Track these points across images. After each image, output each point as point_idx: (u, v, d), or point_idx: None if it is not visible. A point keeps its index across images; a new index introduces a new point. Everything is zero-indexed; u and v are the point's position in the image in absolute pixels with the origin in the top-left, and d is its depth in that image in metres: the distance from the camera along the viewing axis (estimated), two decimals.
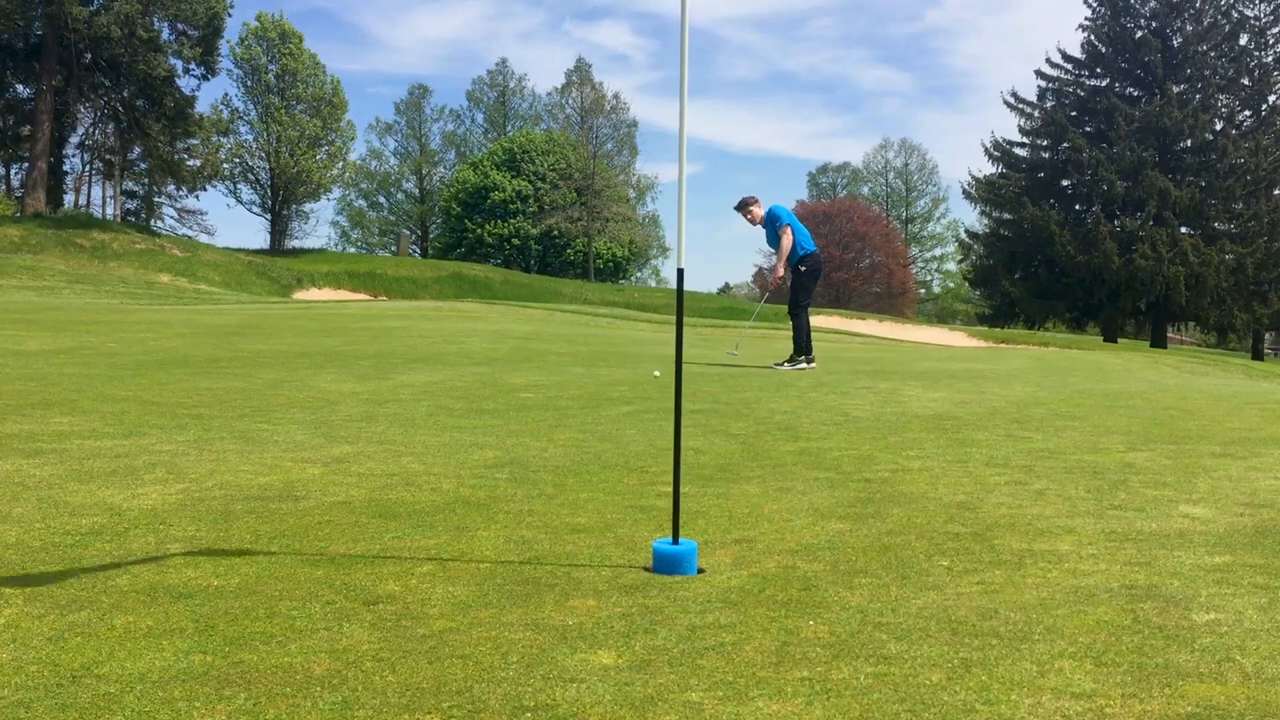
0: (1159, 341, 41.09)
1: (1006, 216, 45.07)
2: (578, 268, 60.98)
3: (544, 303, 29.82)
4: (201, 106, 47.90)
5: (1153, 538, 2.77)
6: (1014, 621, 2.05)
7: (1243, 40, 43.80)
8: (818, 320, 39.64)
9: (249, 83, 56.64)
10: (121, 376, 6.74)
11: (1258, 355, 43.60)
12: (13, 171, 49.35)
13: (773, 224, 9.08)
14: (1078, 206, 44.64)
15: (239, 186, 58.46)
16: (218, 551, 2.56)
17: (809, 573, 2.41)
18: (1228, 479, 3.66)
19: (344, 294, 39.57)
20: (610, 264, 62.15)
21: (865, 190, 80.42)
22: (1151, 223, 41.33)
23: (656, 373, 3.95)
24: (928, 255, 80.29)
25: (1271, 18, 44.44)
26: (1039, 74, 45.23)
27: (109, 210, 53.63)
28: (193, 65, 43.52)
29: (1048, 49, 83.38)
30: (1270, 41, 44.81)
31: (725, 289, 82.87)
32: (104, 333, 10.80)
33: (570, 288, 47.87)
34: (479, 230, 60.74)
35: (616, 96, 63.84)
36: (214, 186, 54.16)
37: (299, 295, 38.14)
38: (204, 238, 55.38)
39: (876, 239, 69.08)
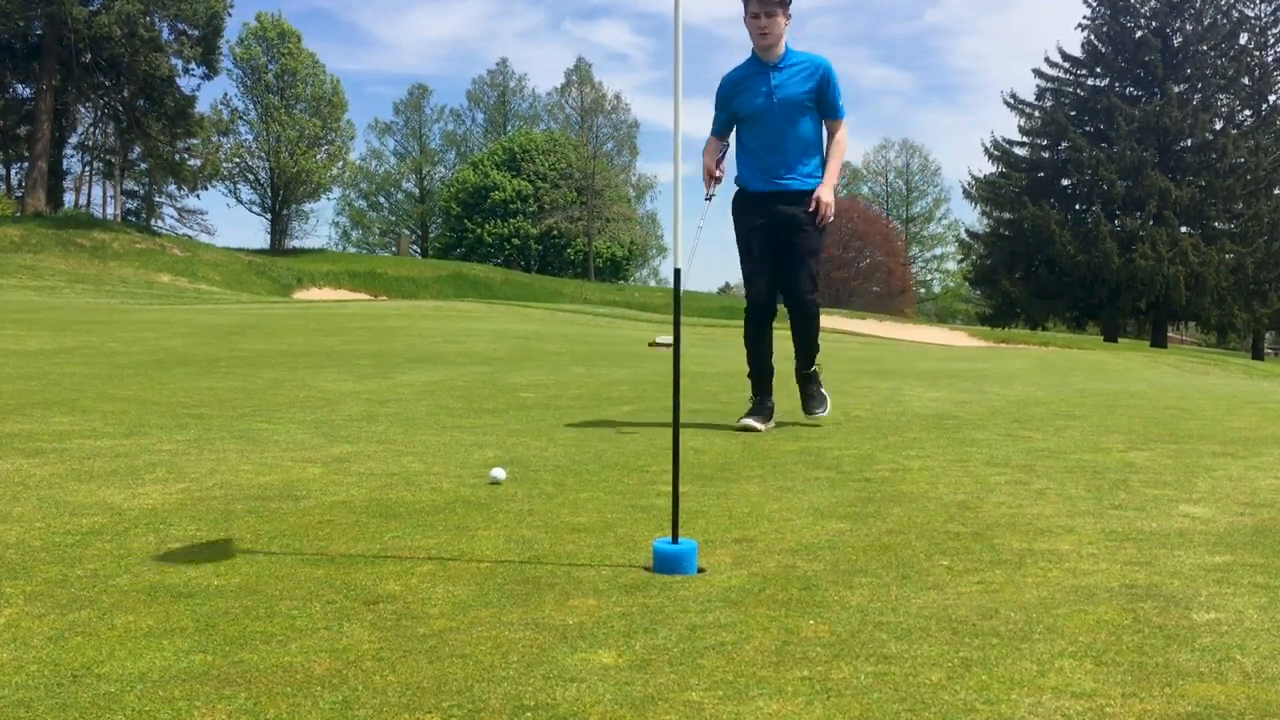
0: (1159, 341, 41.10)
1: (1007, 216, 45.07)
2: (578, 267, 60.96)
3: (544, 302, 29.84)
4: (201, 106, 47.93)
5: (1153, 537, 2.77)
6: (1014, 621, 2.05)
7: (1243, 40, 43.81)
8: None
9: (249, 82, 56.68)
10: (122, 376, 6.74)
11: (1258, 355, 43.60)
12: (13, 171, 49.38)
13: (826, 86, 4.84)
14: (1078, 206, 44.66)
15: (239, 186, 58.50)
16: (218, 551, 2.56)
17: (809, 572, 2.41)
18: (1228, 478, 3.66)
19: (344, 294, 39.59)
20: (610, 264, 62.13)
21: (865, 190, 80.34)
22: (1151, 222, 41.33)
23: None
24: (928, 255, 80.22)
25: (1272, 17, 44.44)
26: (1038, 74, 45.24)
27: (109, 210, 53.66)
28: (193, 65, 43.50)
29: (1047, 49, 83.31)
30: (1270, 41, 44.80)
31: (725, 288, 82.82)
32: (104, 332, 10.80)
33: (570, 287, 47.88)
34: (479, 230, 60.72)
35: (618, 97, 63.91)
36: (214, 186, 54.23)
37: (299, 295, 38.15)
38: (204, 237, 55.46)
39: (876, 238, 69.03)
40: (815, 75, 4.82)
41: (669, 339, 3.55)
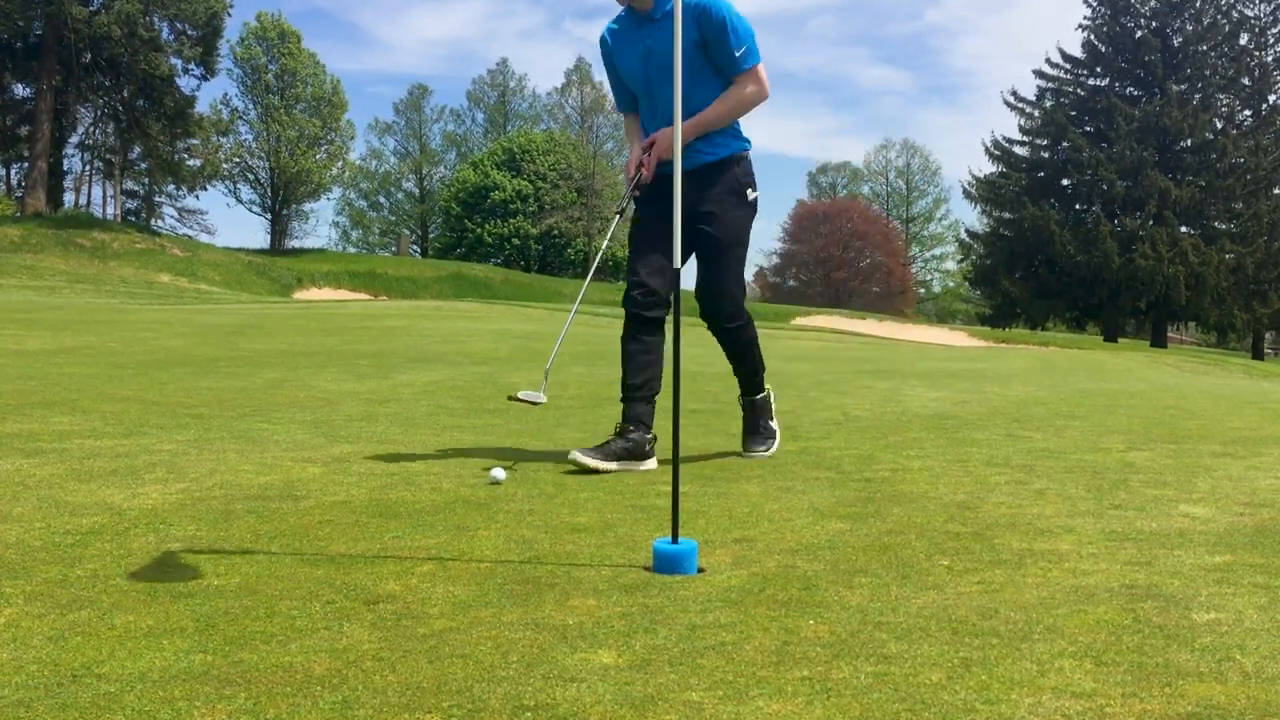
0: (1159, 341, 41.13)
1: (1007, 216, 45.09)
2: (578, 267, 60.99)
3: (544, 302, 29.83)
4: (201, 106, 48.00)
5: (1153, 537, 2.77)
6: (1014, 621, 2.05)
7: (1243, 40, 43.83)
8: (817, 320, 39.43)
9: (249, 82, 56.70)
10: (122, 376, 6.74)
11: (1258, 355, 43.63)
12: (13, 171, 49.39)
13: (711, 29, 3.62)
14: (1078, 206, 44.68)
15: (239, 186, 58.51)
16: (218, 551, 2.56)
17: (809, 572, 2.41)
18: (1228, 478, 3.66)
19: (344, 294, 39.60)
20: (610, 264, 62.14)
21: (865, 189, 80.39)
22: (1151, 222, 41.34)
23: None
24: (928, 255, 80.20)
25: (1271, 17, 44.45)
26: (1039, 74, 45.25)
27: (109, 210, 53.69)
28: (192, 65, 43.51)
29: (1047, 49, 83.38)
30: (1270, 41, 44.80)
31: None
32: (104, 332, 10.80)
33: (570, 287, 47.87)
34: (479, 230, 60.71)
35: None
36: (214, 186, 54.25)
37: (299, 295, 38.15)
38: (204, 237, 55.55)
39: (876, 238, 69.01)
40: (692, 21, 3.58)
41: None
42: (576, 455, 3.71)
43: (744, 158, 3.88)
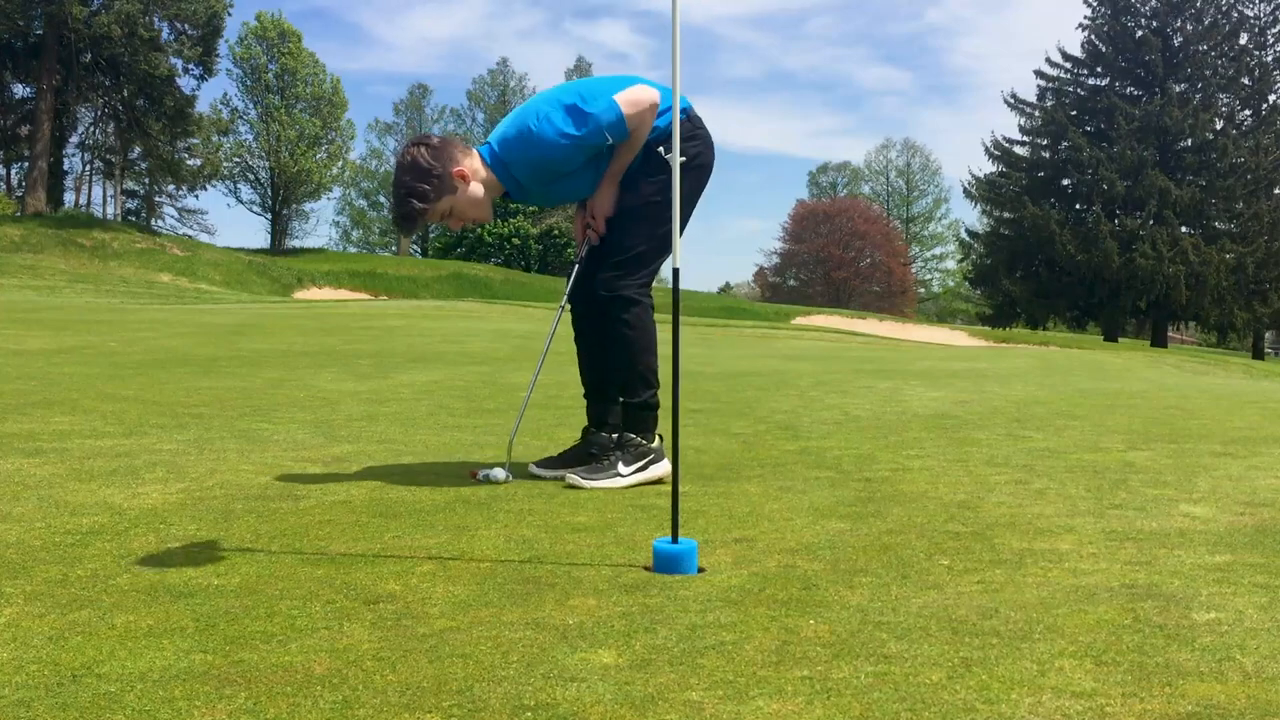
0: (1159, 341, 41.13)
1: (1007, 216, 45.08)
2: None
3: (544, 302, 29.82)
4: (201, 106, 48.01)
5: (1153, 537, 2.77)
6: (1014, 620, 2.05)
7: (1243, 40, 43.82)
8: (817, 319, 39.49)
9: (249, 82, 56.70)
10: (122, 376, 6.74)
11: (1258, 354, 43.65)
12: (13, 171, 49.39)
13: (569, 149, 3.36)
14: (1078, 206, 44.66)
15: (239, 186, 58.52)
16: (218, 551, 2.56)
17: (809, 572, 2.41)
18: (1228, 478, 3.66)
19: (344, 293, 39.60)
20: None
21: (866, 189, 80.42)
22: (1152, 222, 41.34)
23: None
24: (928, 255, 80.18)
25: (1271, 17, 44.44)
26: (1039, 74, 45.25)
27: (109, 210, 53.74)
28: (192, 65, 43.55)
29: (1048, 48, 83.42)
30: (1270, 41, 44.79)
31: (725, 288, 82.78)
32: (104, 332, 10.81)
33: None
34: (479, 229, 60.67)
35: None
36: (214, 186, 54.28)
37: (299, 294, 38.14)
38: (204, 237, 55.60)
39: (877, 238, 68.97)
40: (525, 166, 3.44)
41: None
42: (531, 468, 3.71)
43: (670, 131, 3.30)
